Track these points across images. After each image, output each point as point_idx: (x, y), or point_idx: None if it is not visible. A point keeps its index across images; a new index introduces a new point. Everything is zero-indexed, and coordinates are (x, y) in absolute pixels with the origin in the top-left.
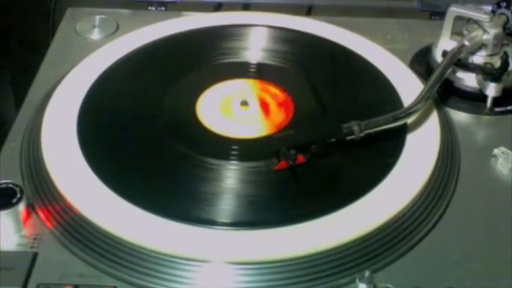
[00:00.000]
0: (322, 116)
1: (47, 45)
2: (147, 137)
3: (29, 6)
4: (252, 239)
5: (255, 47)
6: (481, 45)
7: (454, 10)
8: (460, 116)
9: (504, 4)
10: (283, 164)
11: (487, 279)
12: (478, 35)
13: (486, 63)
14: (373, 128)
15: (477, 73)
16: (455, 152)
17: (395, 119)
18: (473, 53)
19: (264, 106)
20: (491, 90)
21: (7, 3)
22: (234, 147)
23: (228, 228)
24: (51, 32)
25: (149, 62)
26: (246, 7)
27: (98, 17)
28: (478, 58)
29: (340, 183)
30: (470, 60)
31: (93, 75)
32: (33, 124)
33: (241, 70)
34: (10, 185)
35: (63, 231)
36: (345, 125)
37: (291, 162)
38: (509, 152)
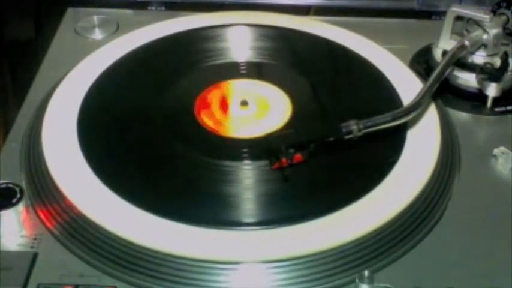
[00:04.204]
0: (321, 116)
1: (41, 45)
2: (147, 136)
3: (27, 5)
4: (250, 240)
5: (254, 47)
6: (481, 45)
7: (454, 10)
8: (460, 116)
9: (504, 4)
10: (282, 163)
11: (487, 279)
12: (478, 35)
13: (486, 63)
14: (371, 127)
15: (477, 73)
16: (455, 152)
17: (394, 119)
18: (473, 53)
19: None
20: (491, 90)
21: (2, 1)
22: (238, 147)
23: (227, 228)
24: (35, 31)
25: (149, 62)
26: (246, 7)
27: (98, 17)
28: (478, 58)
29: (340, 183)
30: (470, 60)
31: (93, 75)
32: (33, 124)
33: (242, 70)
34: (10, 185)
35: (63, 231)
36: (344, 124)
37: (289, 161)
38: (509, 152)
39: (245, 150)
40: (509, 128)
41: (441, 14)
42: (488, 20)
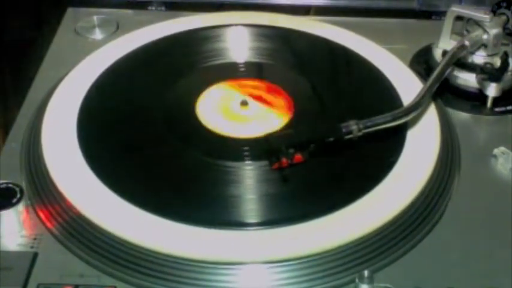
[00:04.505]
0: (321, 116)
1: (41, 45)
2: (148, 137)
3: (27, 5)
4: (250, 240)
5: (254, 47)
6: (481, 45)
7: (454, 10)
8: (460, 116)
9: (504, 4)
10: (281, 163)
11: (487, 279)
12: (478, 35)
13: (486, 63)
14: (371, 127)
15: (477, 73)
16: (455, 152)
17: (394, 119)
18: (473, 53)
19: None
20: (491, 90)
21: (2, 1)
22: (239, 147)
23: (227, 228)
24: (35, 31)
25: (149, 62)
26: (246, 7)
27: (98, 17)
28: (478, 58)
29: (340, 183)
30: (470, 60)
31: (93, 75)
32: (33, 124)
33: (241, 70)
34: (10, 185)
35: (63, 231)
36: (344, 124)
37: (289, 161)
38: (509, 152)
39: (246, 150)
40: (509, 128)
41: (441, 14)
42: (488, 20)
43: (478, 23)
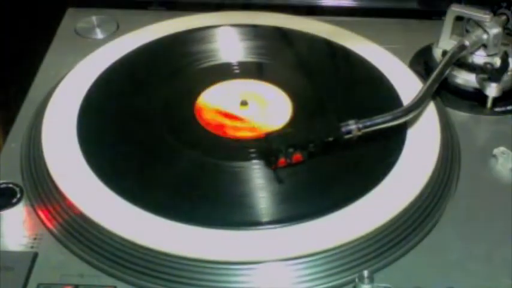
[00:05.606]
0: (321, 115)
1: (41, 45)
2: (148, 136)
3: (27, 5)
4: (249, 240)
5: (254, 47)
6: (481, 45)
7: (454, 10)
8: (460, 116)
9: (504, 4)
10: (278, 163)
11: (487, 279)
12: (478, 35)
13: (486, 63)
14: (371, 127)
15: (477, 73)
16: (455, 152)
17: (393, 118)
18: (473, 53)
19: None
20: (491, 90)
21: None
22: (241, 148)
23: (226, 228)
24: (35, 31)
25: (149, 62)
26: (246, 7)
27: (97, 17)
28: (478, 58)
29: (340, 183)
30: (470, 60)
31: (93, 75)
32: (34, 124)
33: (241, 70)
34: (10, 185)
35: (63, 231)
36: (343, 124)
37: (288, 161)
38: (509, 152)
39: (248, 150)
40: (509, 128)
41: (441, 14)
42: (488, 20)
43: (478, 23)
